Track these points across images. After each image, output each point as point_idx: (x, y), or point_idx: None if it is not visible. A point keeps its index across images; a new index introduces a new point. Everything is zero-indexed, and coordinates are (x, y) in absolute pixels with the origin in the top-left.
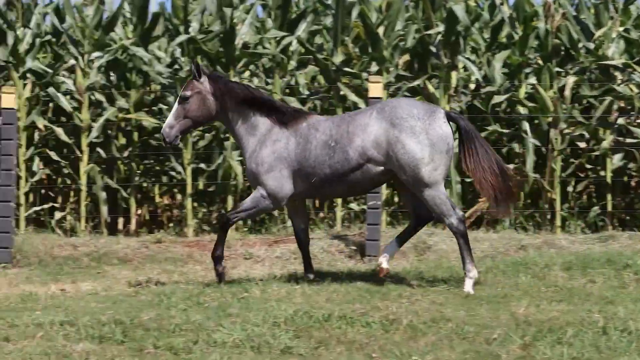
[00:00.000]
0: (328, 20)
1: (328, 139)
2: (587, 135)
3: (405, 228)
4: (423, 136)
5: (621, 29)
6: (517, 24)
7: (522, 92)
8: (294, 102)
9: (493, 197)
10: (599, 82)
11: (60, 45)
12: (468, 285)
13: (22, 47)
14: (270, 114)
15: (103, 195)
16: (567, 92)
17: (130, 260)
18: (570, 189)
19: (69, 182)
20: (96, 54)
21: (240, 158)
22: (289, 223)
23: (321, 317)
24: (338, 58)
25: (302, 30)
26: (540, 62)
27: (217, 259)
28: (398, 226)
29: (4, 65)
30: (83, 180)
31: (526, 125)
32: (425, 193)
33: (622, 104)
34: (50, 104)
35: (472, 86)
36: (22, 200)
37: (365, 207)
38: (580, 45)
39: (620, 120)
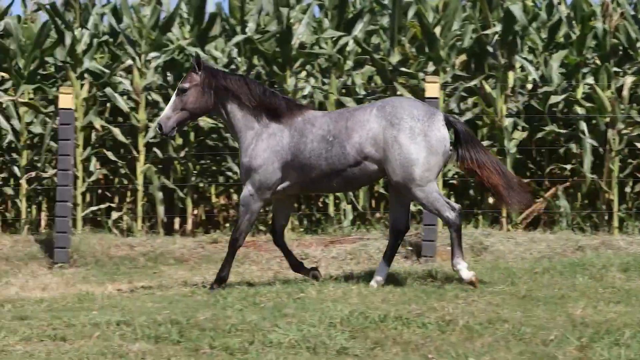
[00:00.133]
0: (385, 20)
1: (326, 133)
2: None
3: (387, 247)
4: (421, 138)
5: None
6: (575, 23)
7: (579, 92)
8: (350, 103)
9: (504, 189)
10: None
11: (118, 46)
12: (464, 273)
13: (80, 48)
14: (267, 107)
15: (160, 195)
16: (625, 92)
17: (186, 261)
18: (628, 189)
19: (125, 182)
20: (153, 54)
21: None
22: (345, 223)
23: (377, 318)
24: (395, 58)
25: (358, 30)
26: (598, 61)
27: (222, 279)
28: None
29: (61, 65)
30: (140, 180)
31: (583, 126)
32: (417, 193)
33: None
34: (108, 104)
35: (529, 86)
36: (79, 200)
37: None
38: (638, 44)
39: None
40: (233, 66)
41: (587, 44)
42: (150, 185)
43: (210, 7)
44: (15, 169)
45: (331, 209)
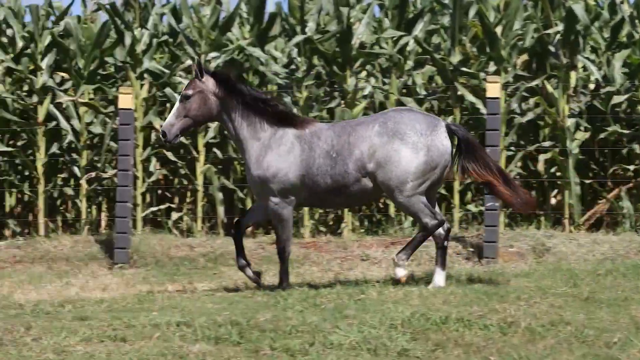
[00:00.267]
0: (445, 20)
1: (330, 149)
2: None
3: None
4: (423, 152)
5: None
6: (638, 22)
7: None
8: (411, 103)
9: (508, 192)
10: None
11: (177, 46)
12: (399, 270)
13: (140, 48)
14: (275, 117)
15: (220, 195)
16: None
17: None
18: None
19: (185, 182)
20: (213, 54)
21: None
22: (406, 224)
23: (438, 320)
24: (455, 58)
25: (419, 30)
26: None
27: (285, 287)
28: (516, 227)
29: (121, 65)
30: (199, 180)
31: None
32: (402, 201)
33: None
34: (167, 104)
35: (592, 86)
36: (139, 200)
37: (482, 208)
38: None
39: None
40: (293, 66)
41: None
42: (210, 185)
43: (270, 7)
44: (76, 169)
45: (392, 210)
